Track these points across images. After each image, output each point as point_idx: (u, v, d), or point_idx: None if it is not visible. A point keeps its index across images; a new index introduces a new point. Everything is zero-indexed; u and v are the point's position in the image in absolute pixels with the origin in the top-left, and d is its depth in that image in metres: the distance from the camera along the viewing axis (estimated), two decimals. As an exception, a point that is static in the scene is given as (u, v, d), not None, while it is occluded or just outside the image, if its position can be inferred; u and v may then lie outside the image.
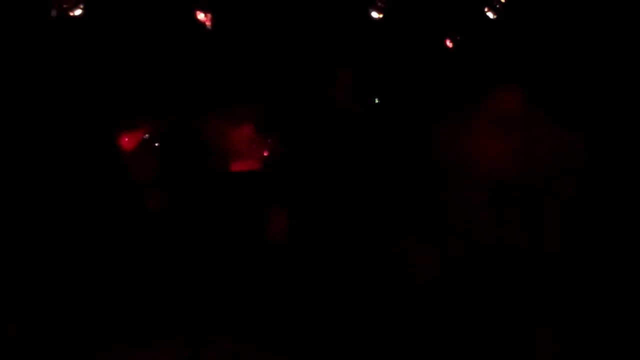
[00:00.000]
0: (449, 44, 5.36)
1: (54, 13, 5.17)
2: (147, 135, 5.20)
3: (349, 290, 2.92)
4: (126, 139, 5.16)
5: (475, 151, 2.66)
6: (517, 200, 2.77)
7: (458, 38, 5.37)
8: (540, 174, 2.89)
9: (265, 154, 5.16)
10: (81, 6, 5.16)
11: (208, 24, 5.28)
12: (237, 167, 5.17)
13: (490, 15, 5.30)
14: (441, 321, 2.62)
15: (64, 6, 5.14)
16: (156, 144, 5.23)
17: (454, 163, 2.68)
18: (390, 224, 2.71)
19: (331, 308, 4.22)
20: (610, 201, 4.73)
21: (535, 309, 2.78)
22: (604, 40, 5.45)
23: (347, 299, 2.93)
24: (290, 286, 4.65)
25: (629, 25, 5.40)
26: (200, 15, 5.27)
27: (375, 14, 5.31)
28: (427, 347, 2.63)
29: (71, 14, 5.17)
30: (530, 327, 2.78)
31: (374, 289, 2.72)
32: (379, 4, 5.24)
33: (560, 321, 2.81)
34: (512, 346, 2.70)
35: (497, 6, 5.31)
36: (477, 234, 2.69)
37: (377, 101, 5.27)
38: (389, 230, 2.69)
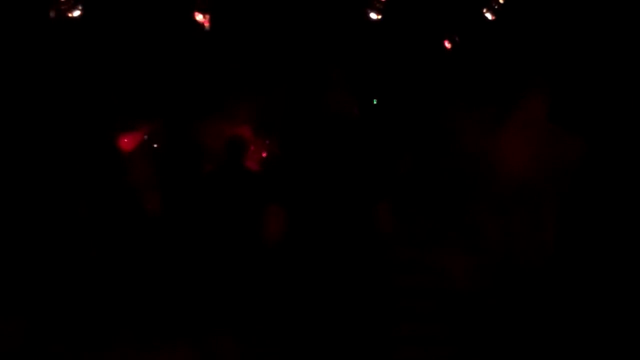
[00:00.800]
0: (447, 44, 5.37)
1: (52, 14, 5.18)
2: (145, 137, 5.20)
3: (384, 300, 2.91)
4: (126, 140, 5.17)
5: (504, 158, 2.65)
6: (543, 204, 2.76)
7: (457, 39, 5.37)
8: (553, 177, 2.88)
9: (264, 155, 5.17)
10: (80, 7, 5.16)
11: (206, 25, 5.28)
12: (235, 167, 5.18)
13: (488, 16, 5.29)
14: (481, 328, 2.61)
15: (63, 7, 5.15)
16: (155, 145, 5.24)
17: (483, 170, 2.68)
18: (422, 231, 2.70)
19: (336, 308, 4.22)
20: (614, 202, 4.73)
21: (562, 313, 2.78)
22: (604, 40, 5.44)
23: (382, 308, 2.93)
24: (288, 287, 4.64)
25: (628, 25, 5.39)
26: (199, 17, 5.27)
27: (373, 15, 5.30)
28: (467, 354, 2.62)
29: (70, 15, 5.18)
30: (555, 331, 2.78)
31: (412, 300, 2.70)
32: (377, 5, 5.23)
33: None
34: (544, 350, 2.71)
35: (496, 7, 5.30)
36: (508, 242, 2.67)
37: (375, 102, 5.27)
38: (422, 239, 2.69)
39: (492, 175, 2.68)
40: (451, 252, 2.65)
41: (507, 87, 2.85)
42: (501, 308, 2.68)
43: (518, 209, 2.74)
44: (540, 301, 2.82)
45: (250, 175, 4.93)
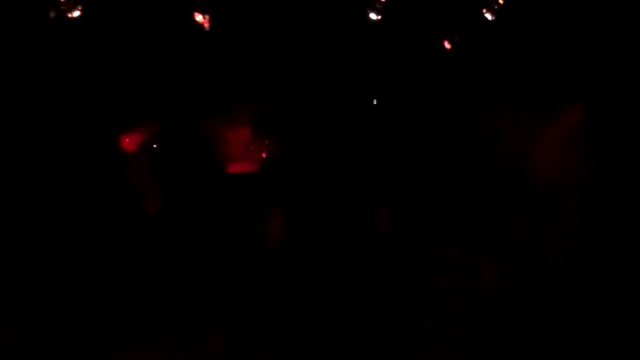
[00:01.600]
0: (447, 45, 5.35)
1: (52, 15, 5.17)
2: (146, 137, 5.21)
3: (404, 301, 2.90)
4: (127, 141, 5.18)
5: (538, 164, 2.65)
6: (576, 210, 2.75)
7: (456, 39, 5.35)
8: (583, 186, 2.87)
9: (263, 155, 5.17)
10: (80, 8, 5.16)
11: (206, 25, 5.28)
12: (235, 169, 5.18)
13: (488, 16, 5.27)
14: (513, 332, 2.61)
15: (63, 7, 5.14)
16: (155, 146, 5.24)
17: (515, 174, 2.67)
18: (451, 234, 2.69)
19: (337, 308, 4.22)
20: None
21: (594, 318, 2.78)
22: (606, 40, 5.41)
23: (400, 309, 2.91)
24: (286, 288, 4.66)
25: (629, 26, 5.36)
26: (199, 17, 5.27)
27: (373, 16, 5.29)
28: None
29: (70, 15, 5.17)
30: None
31: (441, 301, 2.70)
32: (377, 5, 5.22)
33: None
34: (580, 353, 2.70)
35: (496, 7, 5.27)
36: (539, 245, 2.67)
37: (375, 103, 5.26)
38: (451, 240, 2.68)
39: (525, 180, 2.68)
40: (481, 253, 2.65)
41: (546, 93, 2.83)
42: (530, 311, 2.68)
43: (550, 215, 2.73)
44: (568, 306, 2.81)
45: (247, 176, 4.94)
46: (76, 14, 5.17)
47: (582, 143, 2.69)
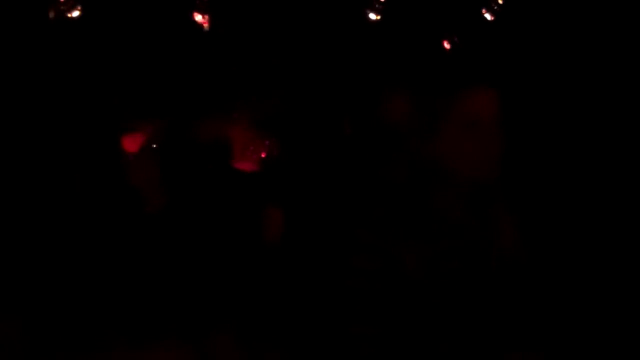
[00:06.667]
0: (446, 45, 5.36)
1: (51, 15, 5.18)
2: (148, 137, 5.22)
3: (338, 287, 2.91)
4: (128, 141, 5.19)
5: (451, 153, 2.66)
6: (500, 198, 2.77)
7: (456, 39, 5.36)
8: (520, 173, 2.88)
9: (263, 155, 5.18)
10: (79, 8, 5.17)
11: (206, 25, 5.29)
12: (235, 168, 5.19)
13: (487, 16, 5.29)
14: (432, 317, 2.62)
15: (62, 7, 5.15)
16: (154, 146, 5.25)
17: (433, 163, 2.68)
18: (379, 221, 2.70)
19: (325, 306, 4.21)
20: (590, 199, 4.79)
21: (521, 306, 2.78)
22: (603, 44, 5.43)
23: (336, 296, 2.92)
24: (286, 286, 4.66)
25: (627, 29, 5.38)
26: (198, 17, 5.28)
27: (372, 16, 5.30)
28: (416, 343, 2.63)
29: (69, 15, 5.18)
30: (518, 324, 2.77)
31: (362, 286, 2.71)
32: (377, 5, 5.23)
33: (547, 319, 2.81)
34: (501, 343, 2.70)
35: (495, 8, 5.29)
36: (463, 231, 2.69)
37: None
38: (377, 226, 2.68)
39: (442, 168, 2.69)
40: (406, 239, 2.65)
41: (451, 81, 2.79)
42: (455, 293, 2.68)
43: (467, 203, 2.74)
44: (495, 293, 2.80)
45: (247, 176, 4.95)
46: (76, 14, 5.18)
47: (489, 129, 2.67)
